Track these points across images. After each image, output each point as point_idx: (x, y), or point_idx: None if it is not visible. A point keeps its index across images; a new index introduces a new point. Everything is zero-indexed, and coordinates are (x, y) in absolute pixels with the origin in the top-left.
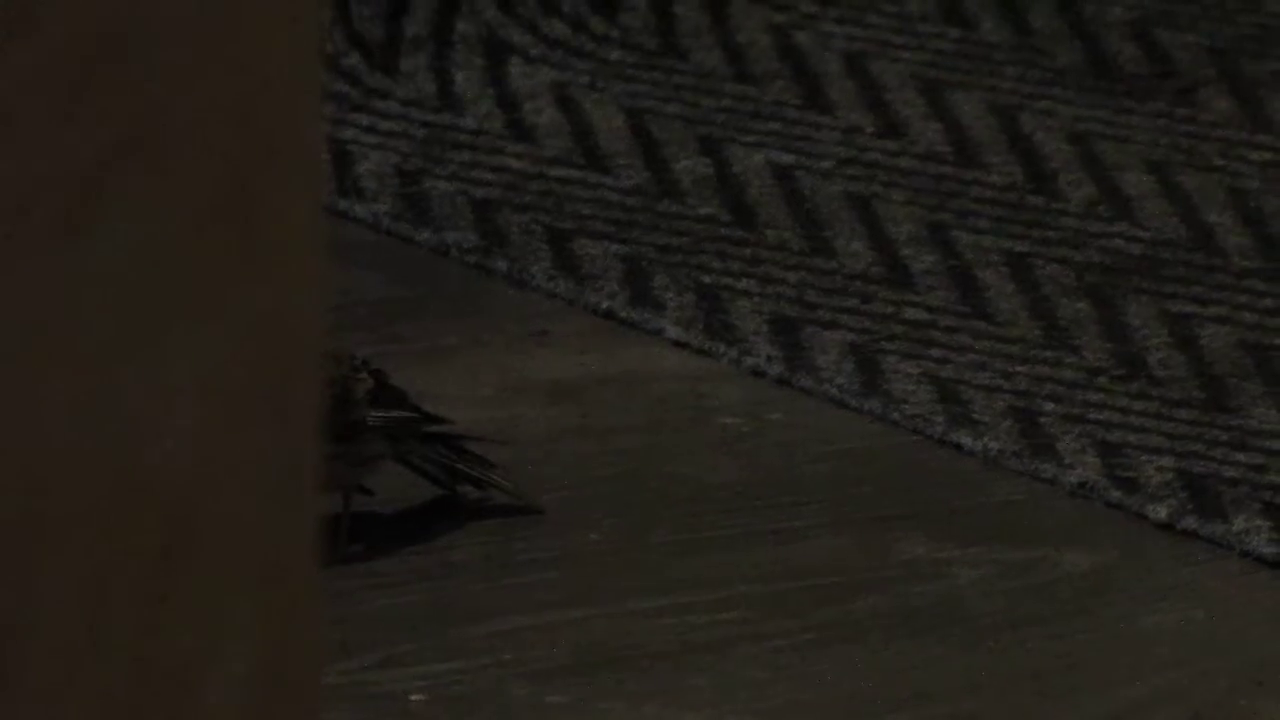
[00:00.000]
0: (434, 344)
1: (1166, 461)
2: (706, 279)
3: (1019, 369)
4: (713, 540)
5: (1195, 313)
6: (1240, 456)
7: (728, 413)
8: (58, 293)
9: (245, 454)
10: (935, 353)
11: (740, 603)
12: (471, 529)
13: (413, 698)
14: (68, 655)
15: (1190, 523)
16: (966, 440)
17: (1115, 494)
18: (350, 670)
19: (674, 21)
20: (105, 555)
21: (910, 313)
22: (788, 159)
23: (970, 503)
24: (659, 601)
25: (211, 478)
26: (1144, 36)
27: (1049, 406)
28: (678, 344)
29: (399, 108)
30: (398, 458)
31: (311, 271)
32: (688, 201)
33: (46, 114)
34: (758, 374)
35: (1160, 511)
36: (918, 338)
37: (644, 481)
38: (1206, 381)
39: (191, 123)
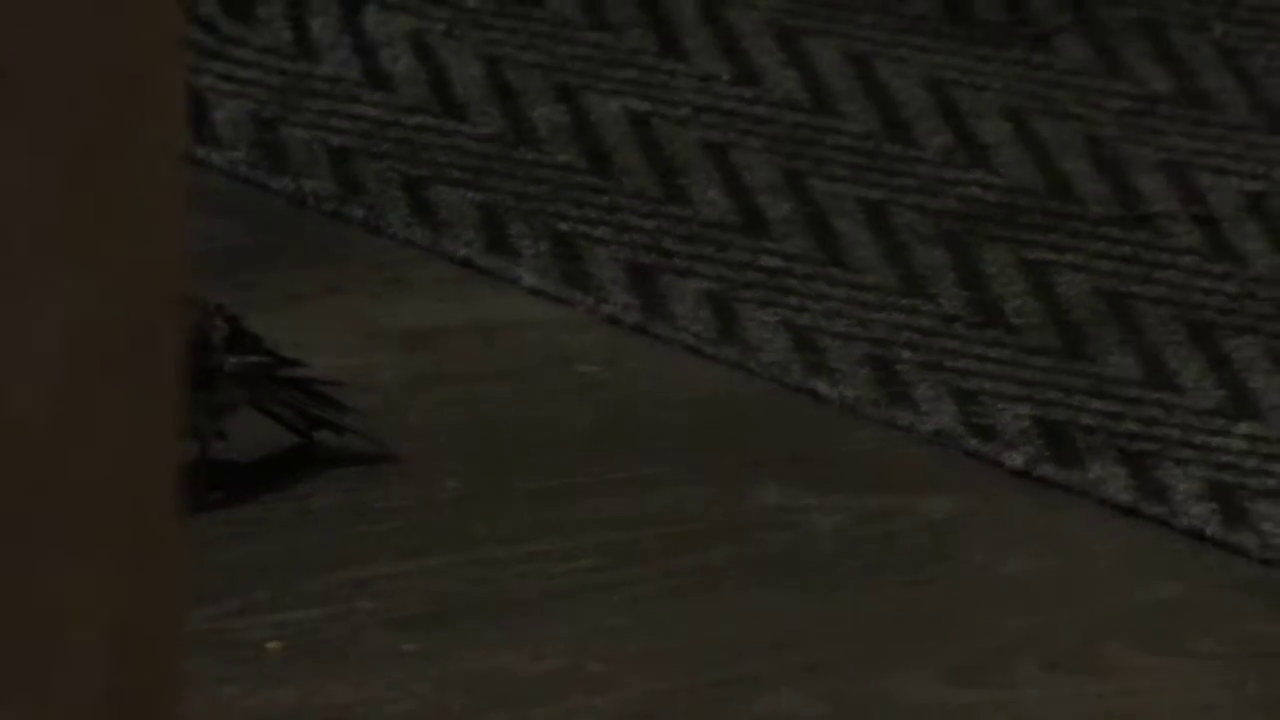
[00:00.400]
0: (290, 291)
1: (1023, 409)
2: (563, 227)
3: (875, 316)
4: (570, 488)
5: (1052, 260)
6: (1096, 404)
7: (584, 360)
8: None
9: (109, 404)
10: (792, 300)
11: (598, 550)
12: (328, 476)
13: (269, 645)
14: None
15: (1047, 470)
16: (823, 388)
17: (972, 441)
18: (207, 617)
19: None
20: None
21: (766, 260)
22: (644, 106)
23: (826, 450)
24: (516, 549)
25: (75, 429)
26: None
27: (905, 354)
28: (534, 292)
29: (255, 55)
30: (254, 404)
31: (173, 221)
32: (544, 149)
33: None
34: (614, 322)
35: (1017, 459)
36: (774, 285)
37: (501, 429)
38: (1063, 329)
39: (54, 73)
